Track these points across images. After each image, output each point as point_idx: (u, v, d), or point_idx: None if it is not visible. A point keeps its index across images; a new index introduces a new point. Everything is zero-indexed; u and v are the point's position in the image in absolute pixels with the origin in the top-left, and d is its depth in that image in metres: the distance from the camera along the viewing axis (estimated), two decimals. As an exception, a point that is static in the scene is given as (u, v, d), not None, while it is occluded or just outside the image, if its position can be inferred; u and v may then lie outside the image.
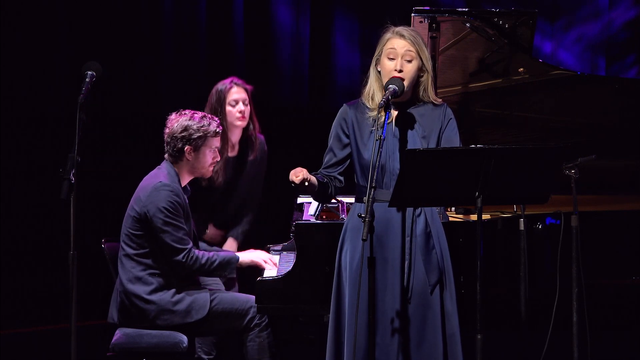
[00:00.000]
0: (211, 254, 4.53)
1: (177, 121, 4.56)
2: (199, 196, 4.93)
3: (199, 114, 4.61)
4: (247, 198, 5.24)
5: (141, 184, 4.56)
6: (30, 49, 6.82)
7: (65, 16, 6.88)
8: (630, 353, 5.87)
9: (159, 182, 4.48)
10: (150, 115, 6.95)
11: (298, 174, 3.81)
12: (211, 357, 5.09)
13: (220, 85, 5.17)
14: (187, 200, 4.58)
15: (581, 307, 4.41)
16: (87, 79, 3.89)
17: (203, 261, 4.48)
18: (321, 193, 3.99)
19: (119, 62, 6.81)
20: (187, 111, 4.62)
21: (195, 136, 4.54)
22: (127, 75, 6.92)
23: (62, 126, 6.69)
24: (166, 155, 4.60)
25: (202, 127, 4.55)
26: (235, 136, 5.16)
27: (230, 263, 4.55)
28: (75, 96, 3.81)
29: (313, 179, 3.89)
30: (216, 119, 4.67)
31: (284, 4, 7.18)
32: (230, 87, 5.15)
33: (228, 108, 5.12)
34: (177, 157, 4.56)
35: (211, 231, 5.20)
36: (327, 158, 4.03)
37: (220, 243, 5.22)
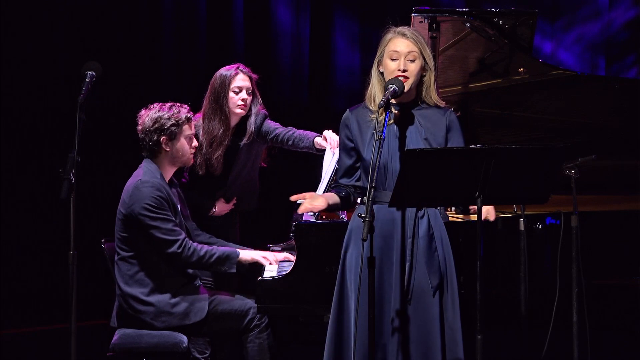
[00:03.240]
0: (210, 247, 4.51)
1: (147, 115, 4.52)
2: (204, 179, 4.94)
3: (167, 105, 4.56)
4: (247, 180, 5.23)
5: (125, 186, 4.54)
6: (30, 49, 6.82)
7: (65, 16, 6.88)
8: (630, 353, 5.87)
9: (137, 180, 4.46)
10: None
11: (313, 205, 3.85)
12: (205, 355, 5.08)
13: (225, 71, 5.12)
14: (175, 193, 4.56)
15: (581, 307, 4.40)
16: (87, 79, 3.89)
17: (202, 253, 4.45)
18: (345, 206, 4.04)
19: (119, 62, 6.81)
20: (155, 104, 4.58)
21: (167, 125, 4.49)
22: (127, 75, 6.92)
23: (62, 126, 6.69)
24: (143, 153, 4.57)
25: (172, 115, 4.51)
26: (233, 122, 5.13)
27: (230, 258, 4.51)
28: (75, 96, 3.81)
29: (331, 199, 3.91)
30: (185, 106, 4.61)
31: (284, 3, 7.18)
32: (236, 74, 5.09)
33: (231, 94, 5.08)
34: (155, 151, 4.53)
35: (219, 207, 5.18)
36: (340, 166, 4.04)
37: (228, 217, 5.21)
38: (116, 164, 6.98)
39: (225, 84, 5.07)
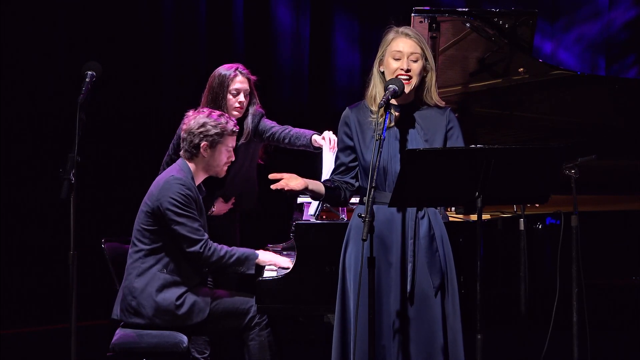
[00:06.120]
0: (230, 247, 4.52)
1: (195, 118, 4.57)
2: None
3: (217, 113, 4.62)
4: (246, 179, 5.22)
5: (155, 180, 4.57)
6: (30, 48, 6.82)
7: (65, 16, 6.88)
8: (630, 353, 5.87)
9: (170, 176, 4.49)
10: (150, 115, 6.98)
11: (288, 184, 3.85)
12: (205, 355, 5.07)
13: (224, 70, 5.09)
14: (200, 198, 4.57)
15: (581, 307, 4.41)
16: (87, 79, 3.90)
17: (222, 253, 4.46)
18: (331, 198, 4.01)
19: (119, 62, 6.81)
20: (205, 109, 4.64)
21: (212, 132, 4.54)
22: (127, 75, 6.92)
23: (62, 126, 6.69)
24: (182, 152, 4.61)
25: (219, 124, 4.55)
26: None
27: (249, 259, 4.51)
28: (75, 96, 3.81)
29: (313, 185, 3.91)
30: (233, 119, 4.66)
31: (284, 4, 7.18)
32: (235, 75, 5.07)
33: (229, 96, 5.07)
34: (193, 154, 4.56)
35: (218, 207, 5.17)
36: (337, 164, 4.03)
37: (227, 216, 5.20)
38: (116, 164, 6.98)
39: (223, 85, 5.06)
